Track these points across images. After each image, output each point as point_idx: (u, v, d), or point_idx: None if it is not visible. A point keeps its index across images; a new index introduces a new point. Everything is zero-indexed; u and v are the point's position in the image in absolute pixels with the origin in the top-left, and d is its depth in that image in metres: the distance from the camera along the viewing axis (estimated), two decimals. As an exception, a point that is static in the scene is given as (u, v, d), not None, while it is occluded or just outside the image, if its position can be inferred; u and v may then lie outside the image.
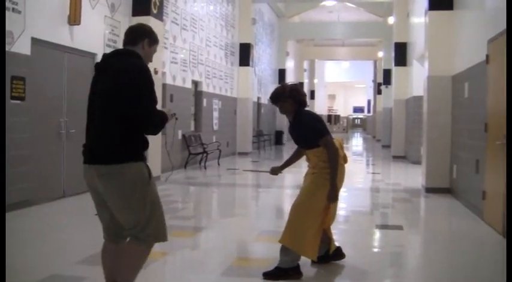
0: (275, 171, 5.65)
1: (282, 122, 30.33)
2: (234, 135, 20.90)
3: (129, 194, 3.62)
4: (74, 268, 5.21)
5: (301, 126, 5.24)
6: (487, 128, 7.79)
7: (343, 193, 10.98)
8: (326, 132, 5.13)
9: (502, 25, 7.10)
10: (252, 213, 9.20)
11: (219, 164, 16.49)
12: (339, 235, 7.32)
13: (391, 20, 24.07)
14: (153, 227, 3.72)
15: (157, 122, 3.72)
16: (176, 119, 4.34)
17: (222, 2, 19.20)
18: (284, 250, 5.06)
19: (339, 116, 67.38)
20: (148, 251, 3.79)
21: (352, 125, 65.81)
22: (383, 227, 7.72)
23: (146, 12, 11.57)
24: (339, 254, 5.55)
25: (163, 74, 13.25)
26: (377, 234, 7.34)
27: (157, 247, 5.80)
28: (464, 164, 9.49)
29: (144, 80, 3.63)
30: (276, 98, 5.29)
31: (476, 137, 8.49)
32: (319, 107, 49.64)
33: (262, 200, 10.70)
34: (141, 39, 3.88)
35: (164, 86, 13.28)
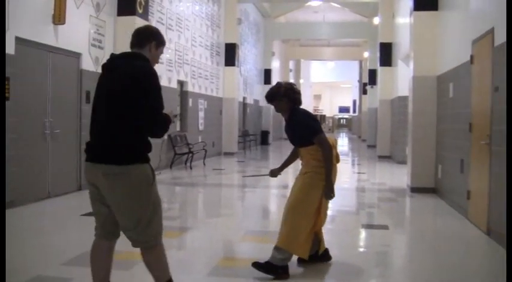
0: (274, 173, 5.74)
1: (268, 122, 30.36)
2: (220, 135, 20.87)
3: (134, 194, 3.66)
4: (60, 269, 5.18)
5: (295, 125, 5.31)
6: (472, 128, 7.84)
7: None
8: (320, 130, 5.20)
9: (486, 26, 7.16)
10: (238, 213, 9.19)
11: (204, 164, 16.47)
12: (325, 235, 7.32)
13: (376, 20, 24.14)
14: (153, 228, 3.78)
15: (162, 124, 3.76)
16: (175, 116, 4.33)
17: (208, 1, 19.17)
18: (278, 248, 5.12)
19: (324, 116, 67.46)
20: (160, 247, 3.86)
21: (338, 125, 65.98)
22: (369, 226, 7.75)
23: (131, 11, 11.54)
24: (326, 255, 5.59)
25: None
26: (363, 233, 7.36)
27: (143, 248, 5.77)
28: (449, 164, 9.54)
29: (150, 83, 3.67)
30: (271, 97, 5.36)
31: (461, 137, 8.54)
32: (304, 107, 49.69)
33: (248, 200, 10.69)
34: (148, 42, 3.93)
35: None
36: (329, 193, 5.10)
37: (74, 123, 10.15)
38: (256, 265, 5.09)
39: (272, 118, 31.34)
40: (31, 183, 8.77)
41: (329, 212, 9.10)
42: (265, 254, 6.10)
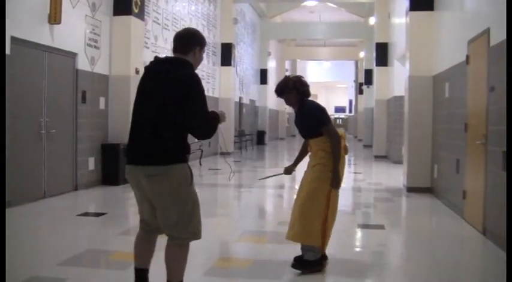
0: (289, 170, 5.83)
1: (264, 122, 30.37)
2: (216, 135, 20.80)
3: (175, 193, 3.82)
4: (56, 269, 5.16)
5: (304, 116, 5.41)
6: (467, 127, 7.85)
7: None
8: (328, 121, 5.32)
9: (482, 26, 7.18)
10: (234, 213, 9.18)
11: (200, 164, 16.47)
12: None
13: (372, 20, 24.18)
14: (193, 225, 3.95)
15: (211, 125, 3.98)
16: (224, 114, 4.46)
17: (204, 1, 19.17)
18: (305, 247, 5.29)
19: (320, 115, 67.60)
20: (188, 247, 4.00)
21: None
22: (365, 226, 7.75)
23: (127, 11, 11.53)
24: (324, 259, 5.57)
25: (145, 73, 13.19)
26: (359, 233, 7.36)
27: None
28: (445, 164, 9.56)
29: (196, 89, 3.82)
30: (280, 90, 5.46)
31: (457, 137, 8.55)
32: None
33: (244, 200, 10.69)
34: (193, 48, 4.04)
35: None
36: (336, 183, 5.20)
37: (70, 123, 10.13)
38: (295, 265, 5.26)
39: (268, 118, 31.35)
40: (27, 183, 8.76)
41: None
42: (261, 254, 6.12)
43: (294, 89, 5.38)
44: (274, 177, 6.51)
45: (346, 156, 5.64)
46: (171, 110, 3.76)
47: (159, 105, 3.78)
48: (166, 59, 4.07)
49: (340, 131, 5.50)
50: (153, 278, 4.25)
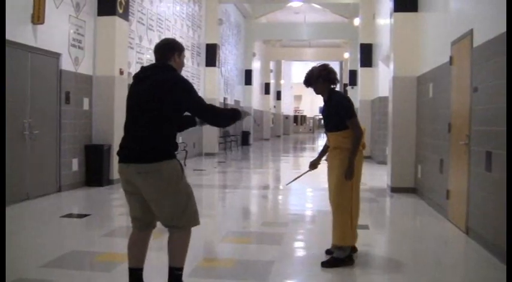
0: (315, 164, 5.99)
1: (249, 123, 30.35)
2: (201, 136, 20.83)
3: (167, 187, 4.05)
4: (39, 271, 5.12)
5: (334, 105, 5.52)
6: (451, 128, 7.90)
7: (309, 193, 11.07)
8: (355, 114, 5.48)
9: (465, 27, 7.23)
10: (218, 214, 9.17)
11: (185, 165, 16.41)
12: (305, 235, 7.36)
13: (357, 21, 24.22)
14: (188, 216, 4.19)
15: (215, 113, 4.25)
16: (249, 115, 4.72)
17: (189, 2, 19.13)
18: (338, 247, 5.48)
19: (305, 116, 67.71)
20: (189, 233, 4.25)
21: (319, 126, 66.19)
22: (349, 226, 7.76)
23: (112, 12, 11.48)
24: (354, 251, 5.76)
25: (129, 74, 13.14)
26: (343, 233, 7.37)
27: (123, 249, 5.74)
28: (428, 164, 9.61)
29: (185, 86, 4.12)
30: (307, 81, 5.68)
31: (440, 137, 8.61)
32: (285, 107, 49.78)
33: (228, 200, 10.68)
34: (171, 55, 4.30)
35: (130, 86, 13.17)
36: (349, 174, 5.37)
37: (54, 124, 10.07)
38: (325, 263, 5.43)
39: (253, 119, 31.33)
40: (10, 185, 8.64)
41: (309, 213, 9.20)
42: (246, 254, 6.12)
43: (319, 77, 5.54)
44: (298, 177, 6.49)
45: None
46: (159, 111, 4.01)
47: (148, 108, 4.03)
48: (151, 66, 4.31)
49: (362, 126, 5.62)
50: (146, 279, 4.26)
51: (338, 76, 5.75)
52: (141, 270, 4.27)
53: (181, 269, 4.23)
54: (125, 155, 4.11)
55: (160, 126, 4.04)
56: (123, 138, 4.19)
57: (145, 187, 4.04)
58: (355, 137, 5.38)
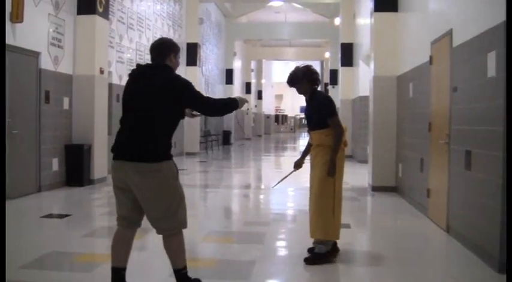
0: (299, 164, 6.15)
1: (230, 121, 30.34)
2: (182, 136, 20.76)
3: (164, 187, 4.14)
4: (18, 273, 5.06)
5: (316, 104, 5.66)
6: (431, 127, 7.96)
7: (290, 192, 11.09)
8: (336, 113, 5.65)
9: (445, 27, 7.28)
10: (200, 214, 9.14)
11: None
12: (287, 234, 7.37)
13: (337, 21, 24.31)
14: (180, 216, 4.27)
15: (215, 105, 4.46)
16: (247, 101, 4.83)
17: (169, 1, 19.07)
18: (319, 241, 5.55)
19: (286, 115, 67.77)
20: (182, 235, 4.34)
21: (300, 125, 66.32)
22: (331, 225, 7.78)
23: (91, 10, 11.39)
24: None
25: (110, 73, 13.08)
26: (325, 232, 7.38)
27: (104, 250, 5.71)
28: (409, 163, 9.67)
29: (186, 85, 4.24)
30: (292, 81, 5.76)
31: (421, 136, 8.66)
32: (266, 107, 49.80)
33: (210, 200, 10.66)
34: (168, 55, 4.35)
35: (110, 85, 13.11)
36: (331, 172, 5.47)
37: (33, 124, 9.98)
38: (307, 260, 5.49)
39: (234, 118, 31.34)
40: (-12, 185, 8.58)
41: (291, 212, 9.21)
42: (228, 254, 6.11)
43: (304, 78, 5.66)
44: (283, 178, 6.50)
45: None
46: (160, 111, 4.10)
47: (149, 108, 4.10)
48: (149, 65, 4.36)
49: (344, 125, 5.75)
50: (128, 279, 4.25)
51: (319, 76, 5.86)
52: (124, 269, 4.29)
53: (185, 268, 4.36)
54: (123, 153, 4.15)
55: (160, 126, 4.13)
56: (120, 136, 4.23)
57: (142, 186, 4.09)
58: (336, 135, 5.51)
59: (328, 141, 5.55)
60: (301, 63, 6.06)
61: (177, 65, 4.44)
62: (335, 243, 5.75)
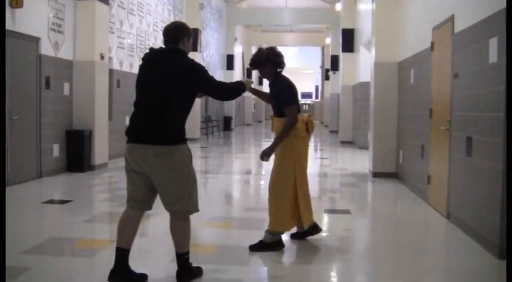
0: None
1: (230, 108, 30.31)
2: (183, 121, 20.71)
3: (180, 170, 4.25)
4: (19, 258, 5.07)
5: (274, 91, 5.51)
6: (432, 113, 7.95)
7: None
8: (293, 101, 5.38)
9: (446, 13, 7.24)
10: (200, 200, 9.09)
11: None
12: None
13: (338, 6, 24.22)
14: (194, 199, 4.39)
15: (227, 89, 4.66)
16: (252, 82, 5.03)
17: (170, -14, 18.97)
18: (268, 230, 5.49)
19: (287, 101, 67.55)
20: (189, 220, 4.44)
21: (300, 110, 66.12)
22: (331, 211, 7.81)
23: (91, -5, 11.34)
24: (316, 228, 5.83)
25: (110, 59, 13.04)
26: (325, 218, 7.40)
27: (105, 235, 5.73)
28: (410, 149, 9.67)
29: (201, 70, 4.36)
30: (255, 63, 5.56)
31: (421, 123, 8.65)
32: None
33: (210, 186, 10.67)
34: (182, 39, 4.45)
35: (111, 71, 13.07)
36: (264, 154, 5.36)
37: (34, 110, 9.97)
38: (252, 247, 5.43)
39: (234, 104, 31.29)
40: (-11, 171, 8.59)
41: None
42: (228, 240, 6.14)
43: (268, 61, 5.46)
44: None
45: (312, 140, 5.72)
46: (176, 95, 4.22)
47: (166, 92, 4.19)
48: (164, 49, 4.41)
49: (308, 115, 5.61)
50: (130, 263, 4.25)
51: (283, 59, 5.61)
52: (128, 250, 4.34)
53: (187, 253, 4.44)
54: (139, 136, 4.22)
55: (175, 110, 4.23)
56: (136, 119, 4.30)
57: (159, 169, 4.18)
58: (286, 123, 5.30)
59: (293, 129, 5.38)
60: (266, 46, 5.77)
61: (189, 49, 4.51)
62: (315, 224, 5.80)
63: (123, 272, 4.28)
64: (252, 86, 5.24)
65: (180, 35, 4.44)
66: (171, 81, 4.20)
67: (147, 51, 4.49)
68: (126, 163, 4.34)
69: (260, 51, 5.59)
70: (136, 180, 4.33)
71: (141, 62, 4.48)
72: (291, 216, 5.57)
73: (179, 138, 4.27)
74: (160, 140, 4.16)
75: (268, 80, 5.60)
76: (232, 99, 4.81)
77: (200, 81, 4.33)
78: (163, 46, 4.47)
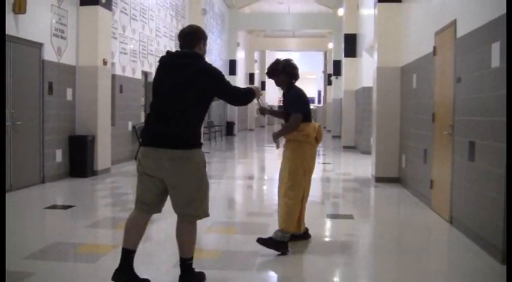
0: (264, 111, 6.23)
1: (233, 113, 30.31)
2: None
3: (195, 174, 4.30)
4: (22, 263, 5.07)
5: (287, 100, 5.81)
6: (434, 118, 7.95)
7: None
8: (301, 111, 5.65)
9: (449, 18, 7.25)
10: (203, 205, 9.15)
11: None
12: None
13: (341, 11, 24.24)
14: (206, 203, 4.46)
15: (243, 95, 4.66)
16: (261, 94, 5.04)
17: (172, -9, 19.01)
18: (280, 230, 5.61)
19: (289, 106, 67.57)
20: (196, 226, 4.46)
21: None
22: (334, 216, 7.81)
23: (94, 1, 11.37)
24: (306, 234, 6.09)
25: (113, 64, 13.06)
26: (328, 223, 7.41)
27: (108, 240, 5.74)
28: (412, 154, 9.66)
29: (219, 75, 4.39)
30: (271, 72, 5.89)
31: (424, 127, 8.65)
32: (270, 97, 49.75)
33: (213, 190, 10.65)
34: (197, 43, 4.49)
35: (113, 76, 13.09)
36: (274, 136, 5.79)
37: (37, 115, 9.99)
38: (260, 240, 5.57)
39: (237, 109, 31.30)
40: (-8, 176, 8.61)
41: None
42: (231, 245, 6.13)
43: (283, 72, 5.77)
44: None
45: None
46: (194, 100, 4.25)
47: (182, 96, 4.22)
48: (181, 53, 4.44)
49: (317, 124, 5.85)
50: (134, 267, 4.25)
51: (298, 72, 5.94)
52: (133, 252, 4.36)
53: (191, 259, 4.44)
54: (156, 140, 4.23)
55: (193, 114, 4.27)
56: (153, 122, 4.32)
57: (174, 172, 4.21)
58: (288, 124, 5.67)
59: (299, 137, 5.66)
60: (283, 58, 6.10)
61: (204, 52, 4.55)
62: (306, 230, 6.07)
63: (127, 273, 4.30)
64: (262, 103, 5.57)
65: (195, 39, 4.49)
66: (188, 85, 4.22)
67: (164, 54, 4.53)
68: (140, 165, 4.35)
69: (277, 61, 5.90)
70: (148, 183, 4.35)
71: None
72: (300, 219, 5.81)
73: (194, 142, 4.30)
74: (176, 144, 4.18)
75: (282, 89, 5.91)
76: (245, 104, 4.86)
77: (217, 87, 4.37)
78: (179, 49, 4.52)
